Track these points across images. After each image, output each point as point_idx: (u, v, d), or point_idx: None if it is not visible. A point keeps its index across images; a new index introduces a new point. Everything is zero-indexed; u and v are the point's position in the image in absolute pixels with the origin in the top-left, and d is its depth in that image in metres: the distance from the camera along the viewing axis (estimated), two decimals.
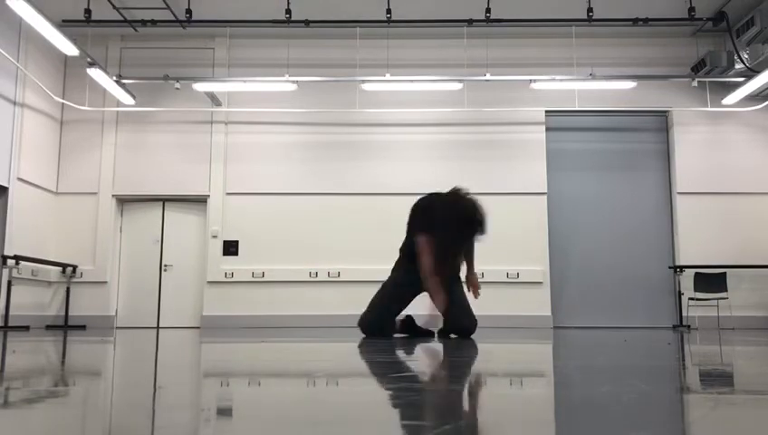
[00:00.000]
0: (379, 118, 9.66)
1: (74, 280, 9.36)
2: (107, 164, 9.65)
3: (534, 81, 8.87)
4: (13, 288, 8.13)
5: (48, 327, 9.00)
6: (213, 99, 9.39)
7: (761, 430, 0.98)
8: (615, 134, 9.91)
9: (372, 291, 9.63)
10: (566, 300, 9.53)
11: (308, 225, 9.48)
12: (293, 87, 8.96)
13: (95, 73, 8.39)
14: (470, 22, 9.14)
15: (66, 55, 9.11)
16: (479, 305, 9.22)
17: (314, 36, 9.70)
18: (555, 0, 8.84)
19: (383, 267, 9.59)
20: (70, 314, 9.23)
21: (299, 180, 9.60)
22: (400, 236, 9.43)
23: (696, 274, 9.16)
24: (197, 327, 9.17)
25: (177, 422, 1.03)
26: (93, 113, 9.65)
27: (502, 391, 1.47)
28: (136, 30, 9.44)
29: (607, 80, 9.05)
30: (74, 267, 9.34)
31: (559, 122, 9.79)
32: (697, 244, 9.35)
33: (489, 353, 2.96)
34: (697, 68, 9.14)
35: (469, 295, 5.22)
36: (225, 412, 1.14)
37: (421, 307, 5.40)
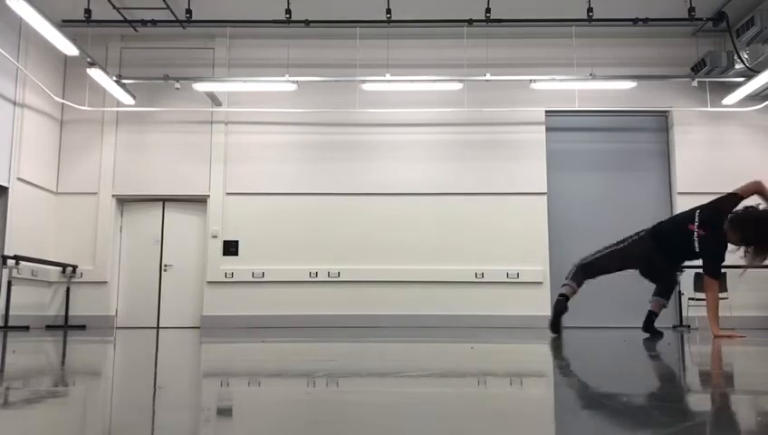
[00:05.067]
0: (379, 118, 9.65)
1: (74, 280, 9.36)
2: (107, 164, 9.65)
3: (534, 81, 8.86)
4: (13, 288, 8.12)
5: (48, 327, 8.99)
6: (213, 99, 9.39)
7: (761, 429, 0.98)
8: (615, 134, 9.90)
9: (372, 290, 9.64)
10: None
11: (308, 225, 9.48)
12: (293, 87, 8.95)
13: (95, 73, 8.38)
14: (470, 22, 9.14)
15: (66, 55, 9.10)
16: (479, 305, 9.26)
17: (314, 36, 9.69)
18: (555, 0, 8.84)
19: (383, 267, 9.65)
20: (70, 314, 9.22)
21: (299, 180, 9.59)
22: (399, 235, 9.47)
23: (696, 274, 9.14)
24: (197, 327, 9.16)
25: (177, 422, 1.03)
26: (93, 113, 9.65)
27: (502, 391, 1.47)
28: (136, 30, 9.44)
29: (607, 80, 9.05)
30: (74, 267, 9.34)
31: (559, 122, 9.79)
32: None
33: (489, 353, 2.96)
34: (697, 68, 9.14)
35: None
36: (225, 412, 1.14)
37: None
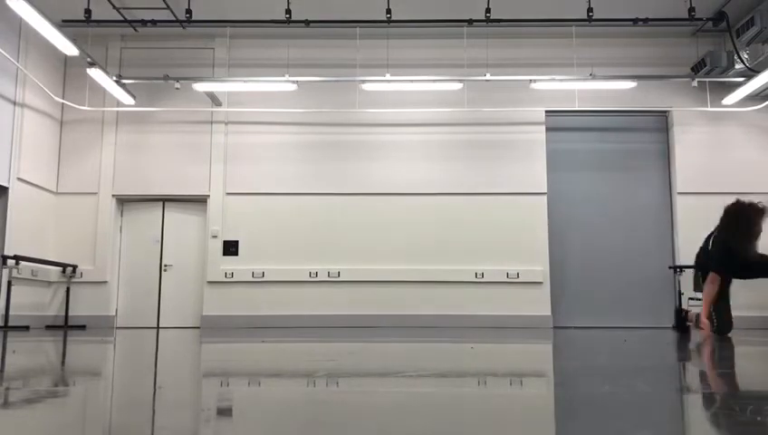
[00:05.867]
0: (379, 118, 9.65)
1: (74, 280, 9.36)
2: (107, 164, 9.65)
3: (534, 81, 8.87)
4: (13, 288, 8.12)
5: (48, 327, 8.99)
6: (213, 99, 9.39)
7: (761, 429, 0.98)
8: (615, 134, 9.91)
9: (372, 290, 9.65)
10: (566, 300, 9.53)
11: (308, 225, 9.48)
12: (293, 87, 8.96)
13: (95, 73, 8.38)
14: (470, 22, 9.14)
15: (66, 55, 9.10)
16: (479, 305, 9.27)
17: (314, 36, 9.70)
18: (555, 0, 8.84)
19: (383, 267, 9.66)
20: (70, 314, 9.22)
21: (299, 180, 9.59)
22: (399, 235, 9.48)
23: (695, 274, 9.14)
24: (197, 327, 9.16)
25: (177, 422, 1.03)
26: (93, 113, 9.65)
27: (502, 391, 1.47)
28: (136, 30, 9.44)
29: (607, 80, 9.05)
30: (74, 267, 9.34)
31: (559, 122, 9.79)
32: (697, 244, 9.32)
33: (489, 353, 2.96)
34: (697, 68, 9.14)
35: None
36: (225, 412, 1.14)
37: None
